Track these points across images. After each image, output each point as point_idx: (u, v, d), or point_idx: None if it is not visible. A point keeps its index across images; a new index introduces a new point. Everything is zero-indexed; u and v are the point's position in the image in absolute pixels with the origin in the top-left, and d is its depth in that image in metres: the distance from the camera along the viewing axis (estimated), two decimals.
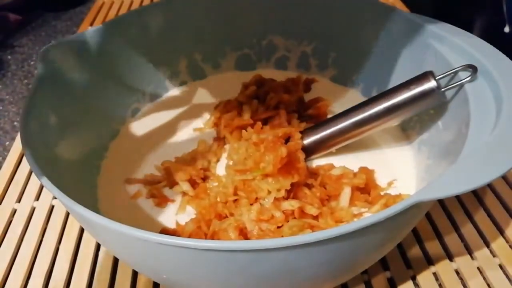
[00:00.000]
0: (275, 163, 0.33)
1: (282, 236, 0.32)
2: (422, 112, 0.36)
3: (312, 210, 0.34)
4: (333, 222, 0.33)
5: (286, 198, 0.34)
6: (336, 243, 0.24)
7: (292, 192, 0.35)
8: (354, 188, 0.36)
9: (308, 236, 0.23)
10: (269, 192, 0.34)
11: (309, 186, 0.36)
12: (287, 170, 0.34)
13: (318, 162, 0.39)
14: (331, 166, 0.38)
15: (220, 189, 0.36)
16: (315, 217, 0.34)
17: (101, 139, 0.41)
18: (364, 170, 0.37)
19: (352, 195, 0.35)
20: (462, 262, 0.35)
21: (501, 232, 0.37)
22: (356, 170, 0.38)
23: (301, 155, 0.37)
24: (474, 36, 0.35)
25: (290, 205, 0.33)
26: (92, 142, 0.40)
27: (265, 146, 0.35)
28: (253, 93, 0.44)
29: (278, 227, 0.33)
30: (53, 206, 0.41)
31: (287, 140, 0.38)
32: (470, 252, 0.36)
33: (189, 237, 0.33)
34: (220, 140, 0.41)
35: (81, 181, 0.36)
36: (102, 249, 0.37)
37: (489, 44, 0.34)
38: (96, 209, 0.36)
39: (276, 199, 0.34)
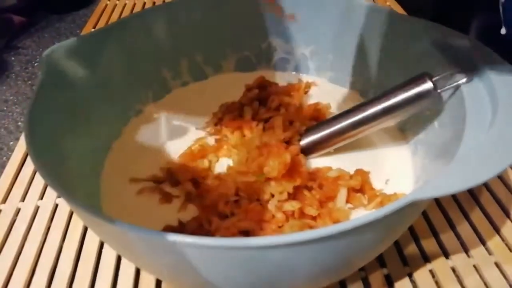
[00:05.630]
0: (280, 169, 0.34)
1: None
2: (419, 112, 0.37)
3: (311, 211, 0.34)
4: (331, 223, 0.34)
5: (287, 199, 0.35)
6: (334, 241, 0.24)
7: (292, 194, 0.35)
8: (350, 189, 0.36)
9: (308, 234, 0.23)
10: (272, 195, 0.35)
11: (309, 188, 0.36)
12: (290, 174, 0.35)
13: (316, 164, 0.40)
14: (329, 168, 0.39)
15: (222, 189, 0.36)
16: (314, 218, 0.34)
17: (104, 139, 0.42)
18: (360, 172, 0.38)
19: (348, 195, 0.36)
20: (458, 260, 0.35)
21: (497, 231, 0.37)
22: (353, 170, 0.38)
23: (303, 159, 0.37)
24: (470, 37, 0.36)
25: (291, 206, 0.34)
26: (96, 142, 0.40)
27: (269, 151, 0.35)
28: (256, 96, 0.45)
29: (279, 227, 0.33)
30: (57, 205, 0.41)
31: (286, 141, 0.39)
32: (466, 250, 0.36)
33: (191, 235, 0.34)
34: (221, 140, 0.42)
35: (84, 180, 0.36)
36: (105, 247, 0.37)
37: (485, 46, 0.34)
38: (99, 208, 0.36)
39: (278, 201, 0.35)
